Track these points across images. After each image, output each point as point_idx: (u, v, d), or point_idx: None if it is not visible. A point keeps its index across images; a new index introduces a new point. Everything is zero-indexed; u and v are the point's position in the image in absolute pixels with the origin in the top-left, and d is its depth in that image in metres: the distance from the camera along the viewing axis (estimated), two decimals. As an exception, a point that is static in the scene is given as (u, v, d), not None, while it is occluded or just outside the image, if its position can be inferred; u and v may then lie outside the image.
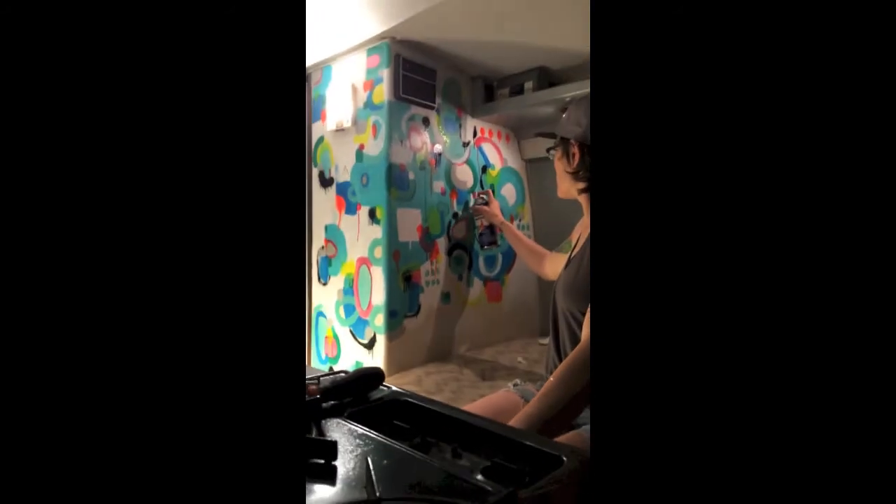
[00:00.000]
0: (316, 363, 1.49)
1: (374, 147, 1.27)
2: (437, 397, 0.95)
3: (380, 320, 1.26)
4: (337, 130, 1.37)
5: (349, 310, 1.35)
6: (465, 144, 1.45)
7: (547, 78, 1.36)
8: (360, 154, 1.31)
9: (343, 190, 1.36)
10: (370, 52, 1.27)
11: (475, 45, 1.25)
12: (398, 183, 1.26)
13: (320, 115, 1.42)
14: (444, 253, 1.39)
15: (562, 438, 0.72)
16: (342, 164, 1.36)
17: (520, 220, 1.62)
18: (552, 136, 0.99)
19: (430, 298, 1.35)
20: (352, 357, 1.35)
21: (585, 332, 0.80)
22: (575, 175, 0.92)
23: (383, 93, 1.24)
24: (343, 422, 0.50)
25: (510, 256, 1.58)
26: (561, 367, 0.74)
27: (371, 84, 1.27)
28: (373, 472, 0.39)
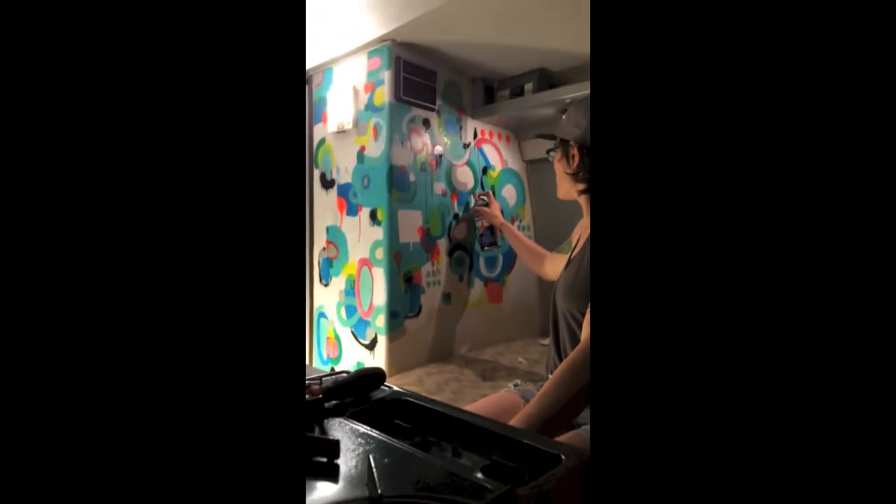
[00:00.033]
0: (317, 364, 1.49)
1: (375, 149, 1.27)
2: (438, 397, 0.95)
3: (381, 321, 1.26)
4: (338, 132, 1.37)
5: (350, 311, 1.36)
6: (466, 146, 1.45)
7: (547, 79, 1.36)
8: (361, 156, 1.32)
9: (344, 191, 1.37)
10: (371, 54, 1.27)
11: (475, 48, 1.26)
12: (399, 184, 1.27)
13: (321, 117, 1.43)
14: (444, 254, 1.39)
15: (562, 438, 0.73)
16: (343, 166, 1.37)
17: (520, 221, 1.63)
18: (552, 137, 1.00)
19: (431, 299, 1.36)
20: (353, 358, 1.35)
21: (585, 333, 0.80)
22: (574, 176, 0.92)
23: (384, 95, 1.24)
24: (345, 421, 0.51)
25: (511, 257, 1.59)
26: (561, 367, 0.75)
27: (372, 86, 1.28)
28: (374, 470, 0.40)
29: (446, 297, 1.40)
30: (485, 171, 1.51)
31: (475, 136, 1.48)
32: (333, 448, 0.43)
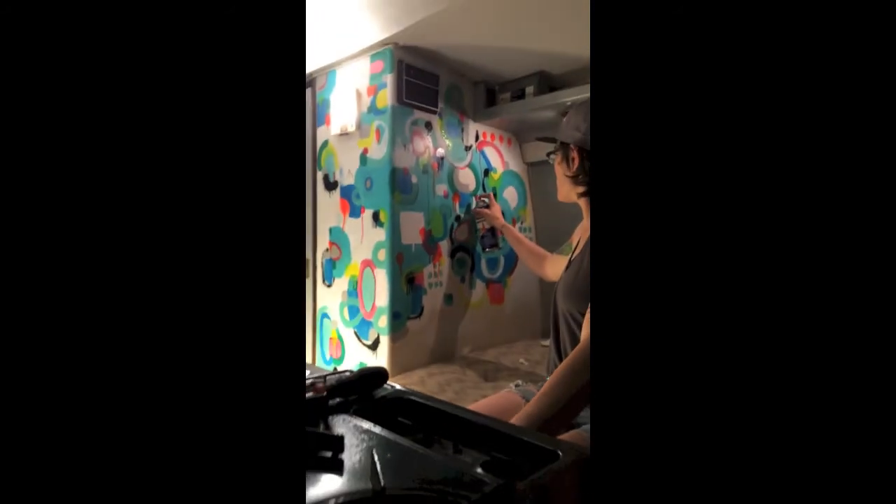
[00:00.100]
0: (320, 364, 1.50)
1: (378, 151, 1.29)
2: (440, 398, 0.96)
3: (383, 322, 1.27)
4: (341, 134, 1.39)
5: (353, 311, 1.37)
6: (468, 148, 1.47)
7: (548, 82, 1.37)
8: (363, 158, 1.33)
9: (347, 193, 1.38)
10: (374, 57, 1.29)
11: (477, 51, 1.27)
12: (401, 186, 1.28)
13: (325, 120, 1.45)
14: (446, 255, 1.40)
15: (563, 437, 0.74)
16: (346, 168, 1.38)
17: (521, 223, 1.64)
18: (552, 140, 1.01)
19: (433, 300, 1.37)
20: (356, 358, 1.36)
21: (585, 333, 0.81)
22: (574, 179, 0.93)
23: (387, 97, 1.26)
24: (349, 418, 0.52)
25: (512, 259, 1.60)
26: (560, 366, 0.76)
27: (374, 89, 1.29)
28: (378, 465, 0.41)
29: (448, 298, 1.41)
30: (486, 173, 1.52)
31: (477, 138, 1.50)
32: (338, 443, 0.44)
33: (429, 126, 1.35)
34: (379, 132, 1.28)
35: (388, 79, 1.25)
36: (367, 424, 0.50)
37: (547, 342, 1.00)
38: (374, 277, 1.30)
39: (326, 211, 1.46)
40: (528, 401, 0.91)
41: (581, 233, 1.04)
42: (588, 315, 0.82)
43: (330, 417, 0.52)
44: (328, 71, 1.43)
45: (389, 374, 0.64)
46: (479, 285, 1.51)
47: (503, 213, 1.45)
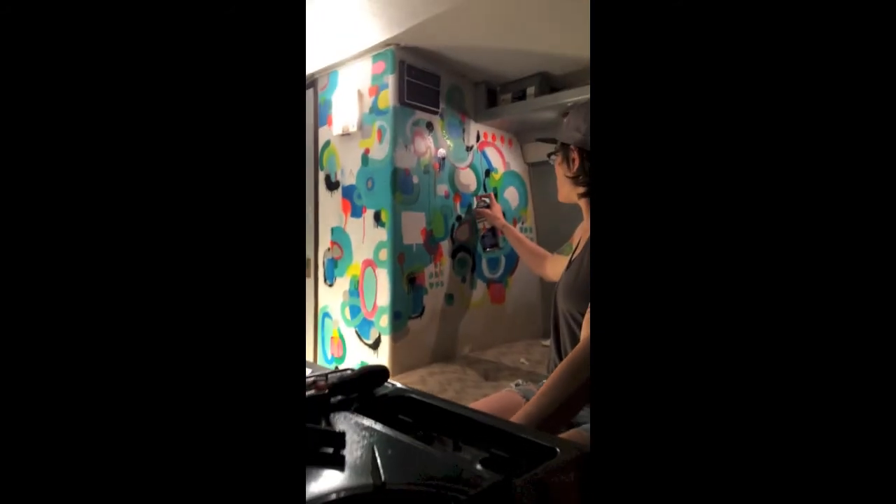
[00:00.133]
0: (322, 363, 1.51)
1: (380, 151, 1.29)
2: (440, 397, 0.97)
3: (384, 321, 1.28)
4: (343, 135, 1.39)
5: (354, 311, 1.38)
6: (469, 148, 1.47)
7: (549, 83, 1.38)
8: (365, 158, 1.34)
9: (349, 193, 1.39)
10: (375, 58, 1.30)
11: (478, 52, 1.28)
12: (403, 186, 1.29)
13: (327, 120, 1.45)
14: (447, 255, 1.41)
15: (563, 436, 0.74)
16: (348, 168, 1.39)
17: (522, 223, 1.64)
18: (553, 141, 1.02)
19: (434, 300, 1.37)
20: (357, 357, 1.37)
21: (584, 332, 0.82)
22: (575, 180, 0.93)
23: (388, 98, 1.26)
24: (350, 415, 0.53)
25: (513, 259, 1.61)
26: (560, 366, 0.76)
27: (376, 90, 1.30)
28: (378, 461, 0.42)
29: (449, 297, 1.42)
30: (487, 173, 1.53)
31: (478, 138, 1.50)
32: (339, 439, 0.45)
33: (430, 126, 1.36)
34: (380, 132, 1.29)
35: (390, 79, 1.26)
36: (367, 422, 0.51)
37: (547, 342, 1.01)
38: (376, 277, 1.30)
39: (328, 211, 1.46)
40: (528, 400, 0.91)
41: (581, 233, 1.05)
42: (588, 315, 0.83)
43: (331, 415, 0.53)
44: (330, 71, 1.44)
45: (390, 374, 0.65)
46: (480, 285, 1.52)
47: (504, 214, 1.46)
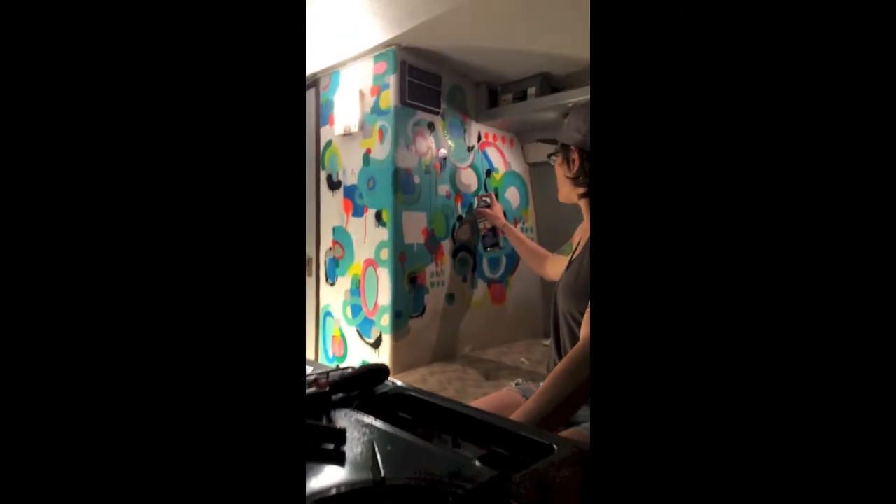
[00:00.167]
0: (323, 361, 1.52)
1: (381, 151, 1.30)
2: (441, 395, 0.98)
3: (386, 320, 1.29)
4: (344, 135, 1.40)
5: (356, 310, 1.38)
6: (470, 149, 1.48)
7: (549, 84, 1.39)
8: (366, 158, 1.34)
9: (350, 193, 1.40)
10: (377, 58, 1.30)
11: (479, 52, 1.28)
12: (404, 186, 1.29)
13: (328, 120, 1.46)
14: (448, 255, 1.42)
15: (563, 435, 0.75)
16: (349, 168, 1.40)
17: (523, 223, 1.65)
18: (553, 142, 1.02)
19: (434, 299, 1.38)
20: (358, 356, 1.38)
21: (584, 332, 0.82)
22: (575, 180, 0.94)
23: (390, 98, 1.27)
24: (351, 412, 0.53)
25: (514, 258, 1.61)
26: (559, 365, 0.77)
27: (378, 90, 1.31)
28: (378, 457, 0.43)
29: (450, 297, 1.42)
30: (488, 173, 1.54)
31: (479, 139, 1.51)
32: (340, 436, 0.46)
33: (431, 126, 1.36)
34: (382, 132, 1.30)
35: (392, 80, 1.27)
36: (368, 419, 0.51)
37: (548, 342, 1.02)
38: (377, 276, 1.31)
39: (330, 210, 1.47)
40: (527, 399, 0.92)
41: (581, 233, 1.05)
42: (587, 314, 0.83)
43: (332, 412, 0.54)
44: (332, 72, 1.44)
45: (392, 373, 0.66)
46: (481, 285, 1.53)
47: (505, 213, 1.46)
